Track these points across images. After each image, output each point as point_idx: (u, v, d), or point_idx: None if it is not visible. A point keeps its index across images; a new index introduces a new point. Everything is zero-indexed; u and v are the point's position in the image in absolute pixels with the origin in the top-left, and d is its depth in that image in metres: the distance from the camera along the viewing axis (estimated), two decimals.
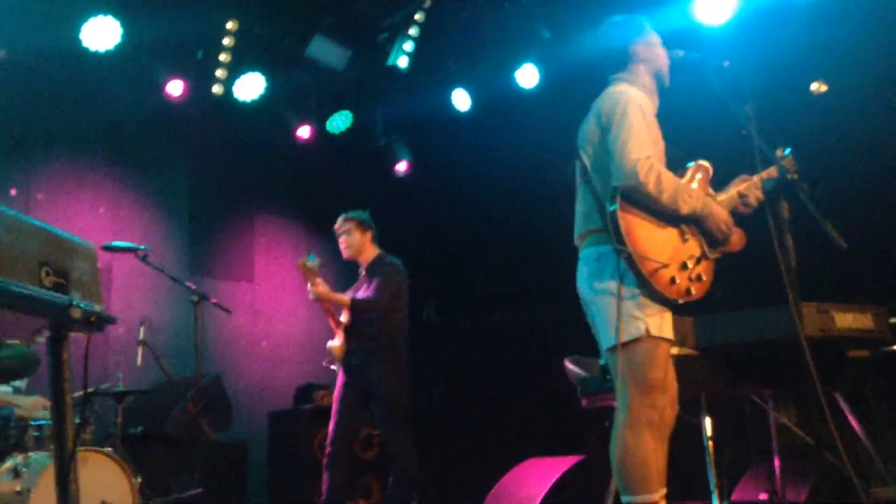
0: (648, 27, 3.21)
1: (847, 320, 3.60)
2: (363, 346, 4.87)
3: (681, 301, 2.87)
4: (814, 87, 5.78)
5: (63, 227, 1.71)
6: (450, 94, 7.41)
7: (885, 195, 5.01)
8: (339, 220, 5.17)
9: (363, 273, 5.12)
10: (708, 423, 3.76)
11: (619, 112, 2.91)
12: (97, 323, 1.65)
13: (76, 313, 1.59)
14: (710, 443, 3.82)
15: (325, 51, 6.70)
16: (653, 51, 3.15)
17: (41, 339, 3.80)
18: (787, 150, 3.04)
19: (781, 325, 3.20)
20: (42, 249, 1.56)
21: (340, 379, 4.94)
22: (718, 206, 3.01)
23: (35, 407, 4.42)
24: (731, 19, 5.58)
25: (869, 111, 5.26)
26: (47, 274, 1.55)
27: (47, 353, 1.69)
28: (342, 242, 5.12)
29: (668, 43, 3.24)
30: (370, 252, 5.12)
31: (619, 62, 3.15)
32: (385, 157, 7.95)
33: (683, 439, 4.11)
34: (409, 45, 6.82)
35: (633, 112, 2.89)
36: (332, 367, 5.02)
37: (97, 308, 1.65)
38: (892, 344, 3.77)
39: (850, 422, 3.93)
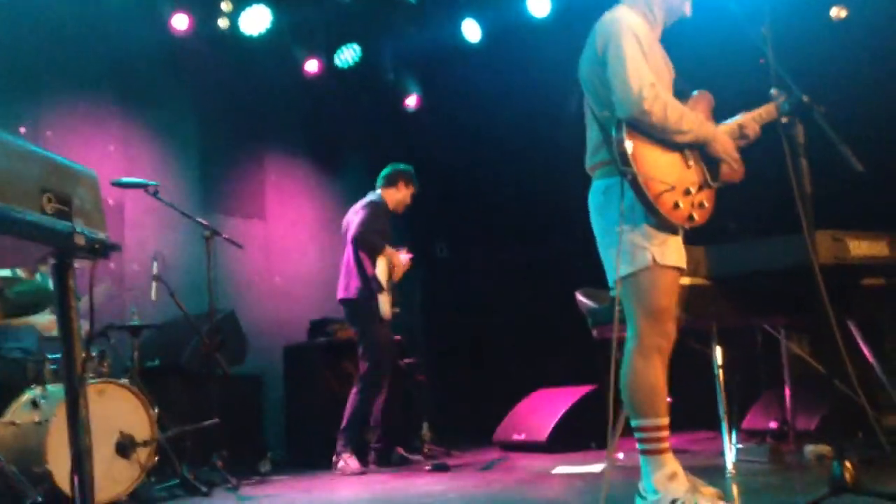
0: None
1: (862, 248, 3.57)
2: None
3: (686, 226, 2.87)
4: (833, 11, 5.64)
5: None
6: (459, 25, 7.27)
7: None
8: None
9: None
10: (718, 351, 3.77)
11: (614, 41, 2.84)
12: (101, 250, 1.64)
13: (80, 240, 1.58)
14: (721, 372, 3.83)
15: None
16: None
17: (45, 268, 3.85)
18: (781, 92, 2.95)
19: (794, 254, 3.17)
20: (43, 176, 1.55)
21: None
22: (722, 133, 2.98)
23: (50, 328, 4.54)
24: None
25: (889, 37, 5.13)
26: (49, 200, 1.54)
27: (52, 280, 1.69)
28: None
29: None
30: None
31: None
32: (394, 92, 7.84)
33: (694, 368, 4.14)
34: None
35: (627, 39, 2.82)
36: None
37: (101, 235, 1.65)
38: None
39: (862, 350, 3.92)
